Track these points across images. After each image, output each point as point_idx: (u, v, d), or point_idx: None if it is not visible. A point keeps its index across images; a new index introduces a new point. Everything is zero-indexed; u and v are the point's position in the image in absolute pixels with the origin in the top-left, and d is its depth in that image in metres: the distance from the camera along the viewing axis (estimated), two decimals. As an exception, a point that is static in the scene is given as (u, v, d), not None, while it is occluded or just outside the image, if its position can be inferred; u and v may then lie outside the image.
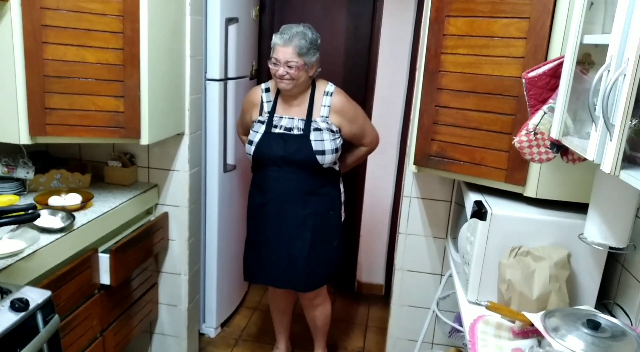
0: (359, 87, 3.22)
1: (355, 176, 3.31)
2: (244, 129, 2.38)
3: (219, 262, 2.81)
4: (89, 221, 1.93)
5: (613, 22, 1.24)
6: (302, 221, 2.23)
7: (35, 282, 1.63)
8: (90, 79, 1.88)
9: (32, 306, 1.34)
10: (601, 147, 1.06)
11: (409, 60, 3.11)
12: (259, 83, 3.01)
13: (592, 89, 1.10)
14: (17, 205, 1.87)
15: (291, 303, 2.65)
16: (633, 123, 1.04)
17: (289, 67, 2.07)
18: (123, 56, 1.89)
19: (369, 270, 3.56)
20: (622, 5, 1.02)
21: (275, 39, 2.09)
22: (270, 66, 2.13)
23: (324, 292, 2.50)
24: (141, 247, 2.20)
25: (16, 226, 1.67)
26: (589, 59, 1.36)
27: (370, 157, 3.27)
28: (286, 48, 2.06)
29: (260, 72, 3.17)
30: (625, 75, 0.98)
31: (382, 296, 3.54)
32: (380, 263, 3.53)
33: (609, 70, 1.06)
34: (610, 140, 1.01)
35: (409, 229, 2.32)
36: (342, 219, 2.40)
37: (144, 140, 2.01)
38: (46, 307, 1.39)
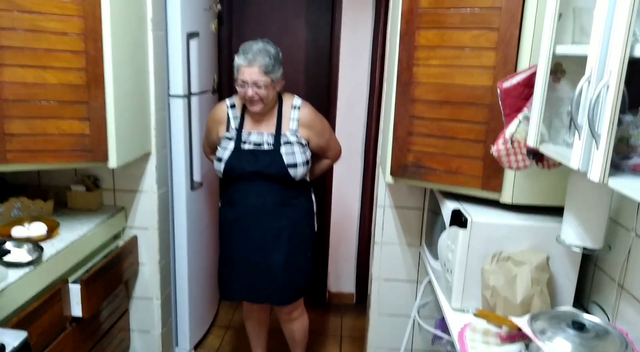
0: (321, 96, 3.22)
1: (322, 186, 3.30)
2: (212, 148, 2.32)
3: (190, 282, 2.73)
4: (58, 252, 1.83)
5: (582, 32, 1.30)
6: (277, 233, 2.20)
7: (5, 322, 1.53)
8: (52, 102, 1.79)
9: (8, 351, 1.25)
10: (586, 156, 1.09)
11: (369, 69, 3.14)
12: (220, 97, 2.97)
13: (574, 100, 1.13)
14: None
15: (267, 317, 2.60)
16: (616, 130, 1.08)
17: (258, 87, 2.04)
18: (87, 76, 1.82)
19: (339, 279, 3.55)
20: (600, 17, 1.04)
21: (239, 60, 2.05)
22: (237, 88, 2.09)
23: (301, 305, 2.47)
24: (112, 274, 2.11)
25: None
26: (560, 68, 1.40)
27: (336, 166, 3.28)
28: (251, 68, 2.02)
29: (222, 86, 3.11)
30: (608, 86, 1.01)
31: (353, 305, 3.54)
32: (350, 272, 3.52)
33: (589, 82, 1.09)
34: (597, 149, 1.04)
35: (384, 238, 2.33)
36: (315, 229, 2.39)
37: (112, 163, 1.93)
38: (22, 351, 1.30)
